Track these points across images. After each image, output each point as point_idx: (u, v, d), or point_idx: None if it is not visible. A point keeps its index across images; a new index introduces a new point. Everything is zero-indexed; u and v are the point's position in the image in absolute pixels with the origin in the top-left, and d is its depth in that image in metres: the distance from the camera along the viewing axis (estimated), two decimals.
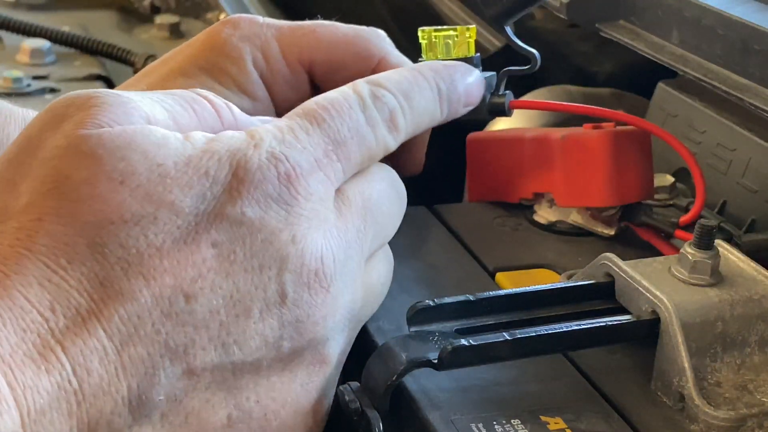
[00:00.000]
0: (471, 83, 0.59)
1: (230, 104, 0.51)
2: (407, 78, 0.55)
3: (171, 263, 0.43)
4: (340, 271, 0.48)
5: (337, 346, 0.49)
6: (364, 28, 0.65)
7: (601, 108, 0.65)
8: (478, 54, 0.63)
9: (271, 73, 0.63)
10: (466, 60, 0.62)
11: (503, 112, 0.63)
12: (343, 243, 0.49)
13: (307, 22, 0.64)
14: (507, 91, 0.64)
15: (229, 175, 0.45)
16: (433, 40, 0.62)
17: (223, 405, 0.46)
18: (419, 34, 0.63)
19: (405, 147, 0.65)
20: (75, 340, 0.42)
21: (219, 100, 0.51)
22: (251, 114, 0.52)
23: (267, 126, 0.49)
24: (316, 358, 0.48)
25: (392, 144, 0.53)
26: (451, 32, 0.62)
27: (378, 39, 0.64)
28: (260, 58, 0.62)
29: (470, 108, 0.60)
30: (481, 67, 0.63)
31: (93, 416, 0.42)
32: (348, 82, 0.64)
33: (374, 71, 0.64)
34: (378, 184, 0.53)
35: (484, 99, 0.63)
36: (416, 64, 0.58)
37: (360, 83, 0.53)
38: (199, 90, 0.51)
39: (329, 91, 0.52)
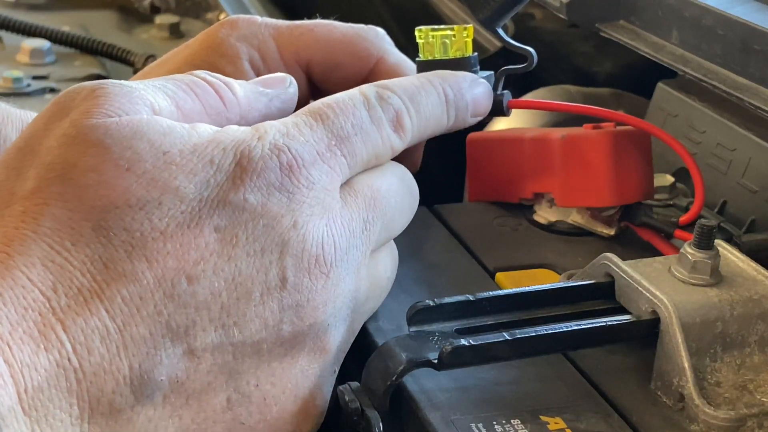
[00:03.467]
0: (479, 93, 0.59)
1: (229, 81, 0.52)
2: (414, 83, 0.56)
3: (174, 246, 0.44)
4: (341, 259, 0.49)
5: (338, 335, 0.50)
6: (362, 26, 0.65)
7: (599, 108, 0.65)
8: (476, 53, 0.63)
9: (268, 73, 0.63)
10: (464, 60, 0.62)
11: (502, 111, 0.63)
12: (347, 232, 0.49)
13: (305, 22, 0.64)
14: (505, 91, 0.63)
15: (233, 163, 0.47)
16: (430, 39, 0.62)
17: (224, 388, 0.46)
18: (416, 33, 0.62)
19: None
20: (76, 319, 0.42)
21: (217, 80, 0.52)
22: (247, 121, 0.53)
23: (272, 122, 0.50)
24: (317, 345, 0.49)
25: (398, 144, 0.54)
26: (449, 32, 0.62)
27: (377, 38, 0.64)
28: (257, 58, 0.63)
29: (479, 119, 0.60)
30: (478, 67, 0.63)
31: (94, 394, 0.43)
32: (346, 81, 0.64)
33: (372, 71, 0.64)
34: (387, 178, 0.54)
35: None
36: (424, 73, 0.58)
37: (366, 86, 0.54)
38: (197, 72, 0.52)
39: (336, 94, 0.53)
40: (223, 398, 0.46)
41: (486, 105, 0.60)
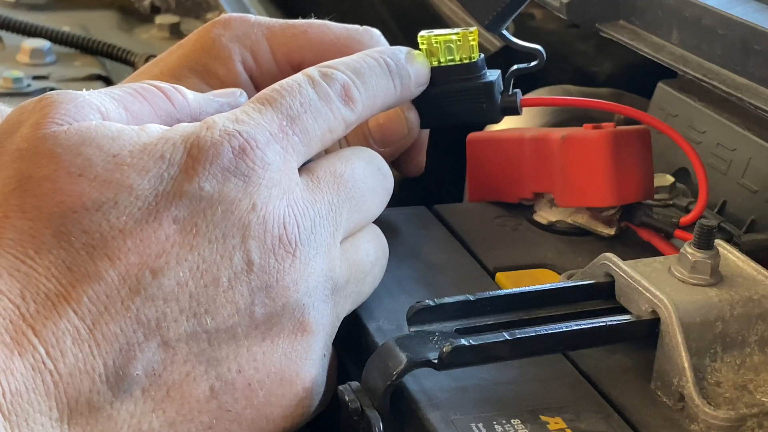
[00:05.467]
0: (419, 64, 0.60)
1: (179, 87, 0.53)
2: (354, 58, 0.57)
3: (134, 242, 0.45)
4: (307, 238, 0.49)
5: (318, 315, 0.50)
6: (357, 28, 0.65)
7: (609, 102, 0.65)
8: (482, 55, 0.62)
9: (260, 74, 0.63)
10: (472, 64, 0.62)
11: (515, 110, 0.63)
12: (311, 212, 0.50)
13: (299, 22, 0.64)
14: (517, 90, 0.64)
15: (184, 155, 0.47)
16: (434, 44, 0.62)
17: (204, 377, 0.47)
18: (418, 39, 0.62)
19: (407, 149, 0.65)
20: (46, 323, 0.43)
21: (167, 85, 0.53)
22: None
23: (221, 114, 0.51)
24: (296, 326, 0.49)
25: (350, 116, 0.54)
26: (453, 36, 0.62)
27: (371, 40, 0.64)
28: (249, 59, 0.63)
29: (422, 88, 0.61)
30: (486, 69, 0.63)
31: (71, 395, 0.43)
32: None
33: None
34: (351, 162, 0.54)
35: (494, 100, 0.63)
36: (364, 51, 0.59)
37: (310, 68, 0.55)
38: (148, 81, 0.53)
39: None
40: (206, 387, 0.47)
41: (426, 74, 0.61)
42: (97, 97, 0.50)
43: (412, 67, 0.59)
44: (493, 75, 0.63)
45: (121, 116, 0.50)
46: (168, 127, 0.49)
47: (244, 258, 0.47)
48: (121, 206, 0.46)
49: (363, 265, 0.54)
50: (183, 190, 0.47)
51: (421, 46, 0.62)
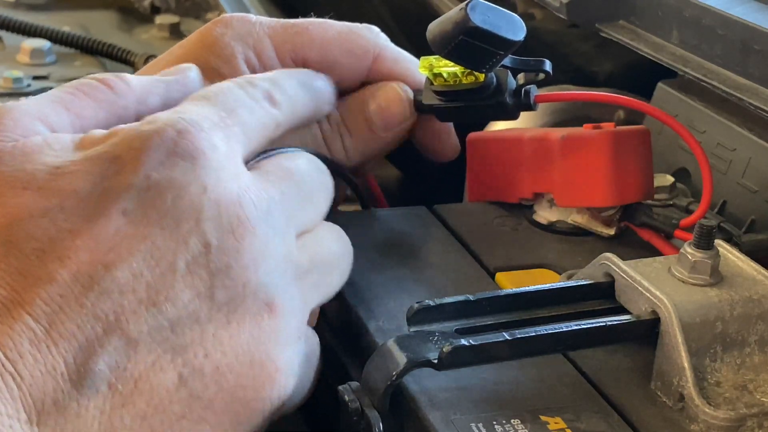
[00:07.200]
0: (320, 84, 0.61)
1: (122, 74, 0.54)
2: (270, 73, 0.59)
3: (84, 240, 0.46)
4: (264, 218, 0.49)
5: (285, 296, 0.50)
6: (357, 24, 0.65)
7: (622, 96, 0.65)
8: (491, 75, 0.62)
9: (264, 71, 0.63)
10: (478, 88, 0.62)
11: (530, 106, 0.64)
12: (264, 196, 0.50)
13: (300, 20, 0.64)
14: (531, 86, 0.64)
15: (125, 149, 0.48)
16: (435, 71, 0.62)
17: (171, 365, 0.47)
18: (420, 63, 0.62)
19: (435, 136, 0.66)
20: (2, 329, 0.44)
21: (109, 75, 0.53)
22: (147, 106, 0.54)
23: (162, 111, 0.51)
24: (261, 308, 0.49)
25: (280, 116, 0.56)
26: (455, 68, 0.62)
27: (370, 34, 0.64)
28: (253, 57, 0.63)
29: (330, 107, 0.62)
30: (494, 80, 0.62)
31: (37, 396, 0.44)
32: (342, 80, 0.64)
33: (372, 69, 0.64)
34: (297, 159, 0.55)
35: (509, 107, 0.63)
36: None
37: (233, 79, 0.57)
38: (88, 75, 0.54)
39: None
40: (174, 375, 0.47)
41: (329, 93, 0.62)
42: (34, 105, 0.50)
43: (317, 84, 0.61)
44: (504, 85, 0.62)
45: (62, 119, 0.50)
46: (107, 131, 0.50)
47: (200, 241, 0.47)
48: (68, 210, 0.46)
49: (326, 257, 0.54)
50: (129, 182, 0.47)
51: (422, 71, 0.62)
